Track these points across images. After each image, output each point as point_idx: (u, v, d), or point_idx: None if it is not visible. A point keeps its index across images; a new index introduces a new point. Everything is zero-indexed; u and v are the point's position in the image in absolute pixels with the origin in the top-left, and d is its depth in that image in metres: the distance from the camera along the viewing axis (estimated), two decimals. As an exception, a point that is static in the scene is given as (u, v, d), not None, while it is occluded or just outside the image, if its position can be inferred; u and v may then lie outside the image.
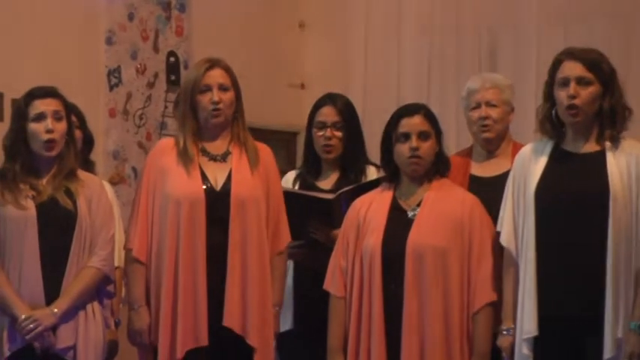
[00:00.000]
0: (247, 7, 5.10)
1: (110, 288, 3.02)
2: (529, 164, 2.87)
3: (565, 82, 2.81)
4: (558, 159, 2.85)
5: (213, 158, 3.06)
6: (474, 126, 3.30)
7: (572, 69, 2.80)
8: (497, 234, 2.92)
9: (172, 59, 4.80)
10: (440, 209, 2.93)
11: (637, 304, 2.72)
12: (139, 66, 4.67)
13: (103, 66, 4.54)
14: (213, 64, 3.07)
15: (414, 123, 2.97)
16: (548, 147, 2.88)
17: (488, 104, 3.27)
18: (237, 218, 2.98)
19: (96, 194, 2.99)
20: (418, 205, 2.96)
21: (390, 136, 3.00)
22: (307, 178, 3.44)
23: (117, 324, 3.28)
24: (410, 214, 2.96)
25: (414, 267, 2.87)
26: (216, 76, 3.05)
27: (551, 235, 2.78)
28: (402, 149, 2.96)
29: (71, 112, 3.07)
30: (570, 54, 2.84)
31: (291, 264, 3.36)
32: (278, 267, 3.10)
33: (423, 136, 2.96)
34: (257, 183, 3.04)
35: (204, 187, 3.01)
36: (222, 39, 4.79)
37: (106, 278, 2.98)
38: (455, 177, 3.16)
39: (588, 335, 2.74)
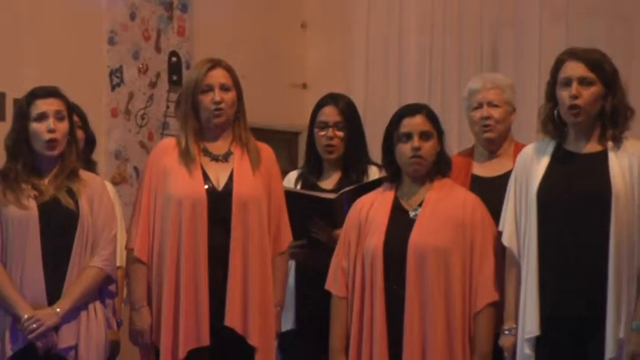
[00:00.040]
0: (249, 8, 5.11)
1: (112, 288, 3.03)
2: (531, 164, 2.87)
3: (567, 82, 2.80)
4: (560, 159, 2.85)
5: (215, 158, 3.06)
6: (476, 126, 3.30)
7: (575, 69, 2.80)
8: (499, 234, 2.92)
9: (174, 59, 4.80)
10: (441, 209, 2.93)
11: (639, 304, 2.71)
12: (140, 66, 4.68)
13: (105, 66, 4.54)
14: (214, 64, 3.07)
15: (415, 123, 2.97)
16: (551, 147, 2.88)
17: (490, 104, 3.27)
18: (239, 218, 2.98)
19: (98, 194, 2.99)
20: (420, 205, 2.96)
21: (392, 136, 3.00)
22: (309, 178, 3.44)
23: (119, 324, 3.28)
24: (411, 214, 2.96)
25: (416, 267, 2.87)
26: (218, 76, 3.05)
27: (553, 235, 2.78)
28: (404, 149, 2.96)
29: (73, 111, 3.07)
30: (572, 54, 2.84)
31: (292, 264, 3.36)
32: (279, 267, 3.10)
33: (424, 136, 2.96)
34: (259, 183, 3.04)
35: (206, 187, 3.01)
36: (224, 39, 4.80)
37: (108, 278, 2.98)
38: (456, 177, 3.15)
39: (590, 335, 2.74)
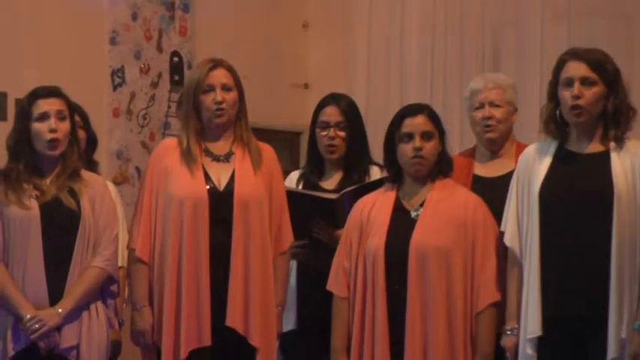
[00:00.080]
0: (251, 7, 5.11)
1: (114, 288, 3.03)
2: (533, 164, 2.87)
3: (569, 83, 2.80)
4: (562, 159, 2.85)
5: (217, 158, 3.06)
6: (478, 126, 3.30)
7: (577, 69, 2.80)
8: (501, 234, 2.92)
9: (176, 59, 4.80)
10: (443, 209, 2.93)
11: (641, 304, 2.72)
12: (142, 66, 4.68)
13: (107, 66, 4.55)
14: (216, 64, 3.07)
15: (417, 123, 2.97)
16: (553, 147, 2.87)
17: (492, 104, 3.27)
18: (241, 218, 2.98)
19: (99, 194, 2.99)
20: (421, 205, 2.96)
21: (393, 136, 2.99)
22: (311, 178, 3.44)
23: (120, 324, 3.28)
24: (413, 214, 2.96)
25: (418, 267, 2.86)
26: (220, 76, 3.05)
27: (555, 235, 2.78)
28: (405, 149, 2.96)
29: (75, 111, 3.08)
30: (574, 54, 2.83)
31: (294, 264, 3.36)
32: (281, 267, 3.10)
33: (426, 136, 2.96)
34: (260, 183, 3.04)
35: (208, 187, 3.01)
36: (225, 39, 4.80)
37: (110, 278, 2.98)
38: (458, 177, 3.15)
39: (592, 335, 2.74)
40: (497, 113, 3.26)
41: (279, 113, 5.07)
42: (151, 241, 3.02)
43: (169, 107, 4.73)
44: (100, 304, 2.97)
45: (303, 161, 3.83)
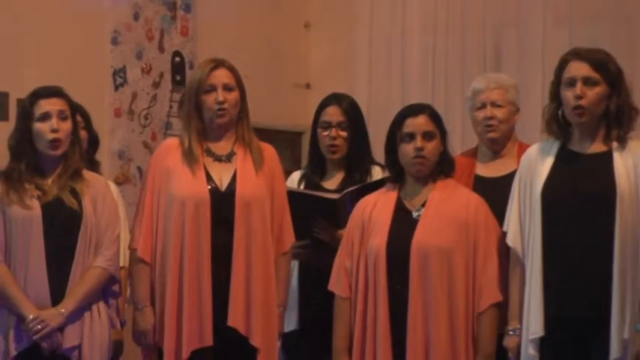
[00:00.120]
0: (252, 8, 5.11)
1: (115, 288, 3.03)
2: (535, 164, 2.87)
3: (571, 83, 2.80)
4: (565, 159, 2.84)
5: (218, 159, 3.06)
6: (479, 126, 3.29)
7: (579, 69, 2.79)
8: (504, 234, 2.92)
9: (177, 59, 4.81)
10: (445, 210, 2.93)
11: (644, 304, 2.72)
12: (144, 66, 4.68)
13: (109, 66, 4.55)
14: (217, 64, 3.07)
15: (418, 123, 2.96)
16: (555, 147, 2.87)
17: (494, 104, 3.26)
18: (242, 219, 2.98)
19: (101, 194, 2.99)
20: (423, 205, 2.96)
21: (395, 136, 2.99)
22: (312, 178, 3.44)
23: (122, 324, 3.28)
24: (415, 214, 2.95)
25: (419, 267, 2.86)
26: (221, 76, 3.05)
27: (557, 236, 2.78)
28: (407, 149, 2.96)
29: (76, 111, 3.08)
30: (577, 54, 2.83)
31: (295, 264, 3.36)
32: (282, 267, 3.09)
33: (427, 136, 2.96)
34: (262, 183, 3.04)
35: (209, 187, 3.01)
36: (227, 39, 4.80)
37: (112, 278, 2.98)
38: (460, 177, 3.15)
39: (594, 336, 2.73)
40: (499, 113, 3.26)
41: (280, 113, 5.08)
42: (152, 242, 3.02)
43: (171, 107, 4.74)
44: (101, 304, 2.97)
45: (304, 161, 3.83)
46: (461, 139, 4.34)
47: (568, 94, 2.80)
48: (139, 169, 4.58)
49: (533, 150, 2.93)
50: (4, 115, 4.10)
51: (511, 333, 2.87)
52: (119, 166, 4.56)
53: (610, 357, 2.70)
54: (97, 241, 2.94)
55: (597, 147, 2.83)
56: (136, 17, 4.65)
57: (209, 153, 3.06)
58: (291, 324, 3.31)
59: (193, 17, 4.89)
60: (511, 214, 2.90)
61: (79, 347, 2.89)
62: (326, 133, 3.39)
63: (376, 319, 2.89)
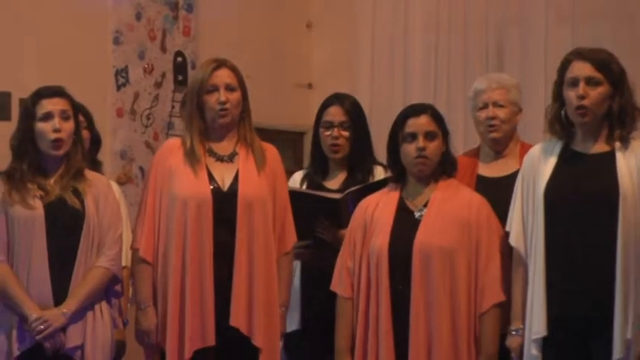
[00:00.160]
0: (255, 8, 5.11)
1: (118, 288, 3.03)
2: (538, 164, 2.86)
3: (574, 83, 2.80)
4: (568, 159, 2.84)
5: (220, 159, 3.06)
6: (481, 126, 3.29)
7: (582, 69, 2.79)
8: (506, 234, 2.92)
9: (180, 59, 4.81)
10: (447, 210, 2.93)
11: (647, 304, 2.71)
12: (146, 66, 4.68)
13: (111, 66, 4.55)
14: (220, 64, 3.07)
15: (420, 123, 2.96)
16: (558, 147, 2.87)
17: (496, 104, 3.26)
18: (244, 219, 2.98)
19: (103, 194, 2.99)
20: (425, 205, 2.96)
21: (397, 136, 2.99)
22: (315, 178, 3.44)
23: (125, 324, 3.28)
24: (417, 214, 2.95)
25: (421, 267, 2.86)
26: (223, 76, 3.05)
27: (560, 236, 2.77)
28: (409, 149, 2.96)
29: (79, 111, 3.07)
30: (579, 54, 2.83)
31: (298, 264, 3.36)
32: (284, 267, 3.10)
33: (429, 136, 2.95)
34: (264, 183, 3.04)
35: (211, 187, 3.01)
36: (229, 39, 4.80)
37: (115, 278, 2.98)
38: (462, 177, 3.15)
39: (597, 336, 2.73)
40: (501, 113, 3.26)
41: (282, 113, 5.08)
42: (154, 242, 3.02)
43: (173, 107, 4.74)
44: (104, 304, 2.97)
45: (306, 161, 3.83)
46: (463, 139, 4.34)
47: (571, 94, 2.80)
48: (141, 169, 4.58)
49: (535, 150, 2.92)
50: (6, 115, 4.10)
51: (514, 333, 2.87)
52: (121, 166, 4.56)
53: (613, 357, 2.70)
54: (100, 241, 2.95)
55: (600, 147, 2.82)
56: (138, 17, 4.65)
57: (211, 153, 3.06)
58: (293, 324, 3.31)
59: (195, 17, 4.89)
60: (514, 214, 2.90)
61: (81, 347, 2.89)
62: (328, 132, 3.39)
63: (378, 319, 2.89)
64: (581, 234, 2.75)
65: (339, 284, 3.02)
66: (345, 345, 2.99)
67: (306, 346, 3.35)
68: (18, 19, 4.20)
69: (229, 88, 3.04)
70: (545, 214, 2.80)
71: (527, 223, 2.86)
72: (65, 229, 2.91)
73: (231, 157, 3.07)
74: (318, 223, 3.27)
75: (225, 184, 3.03)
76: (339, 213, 3.23)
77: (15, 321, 2.87)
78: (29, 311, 2.84)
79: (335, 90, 3.56)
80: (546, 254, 2.78)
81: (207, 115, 3.06)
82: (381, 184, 3.15)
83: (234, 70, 3.08)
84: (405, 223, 2.94)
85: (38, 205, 2.90)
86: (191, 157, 3.03)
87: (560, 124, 2.85)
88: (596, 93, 2.78)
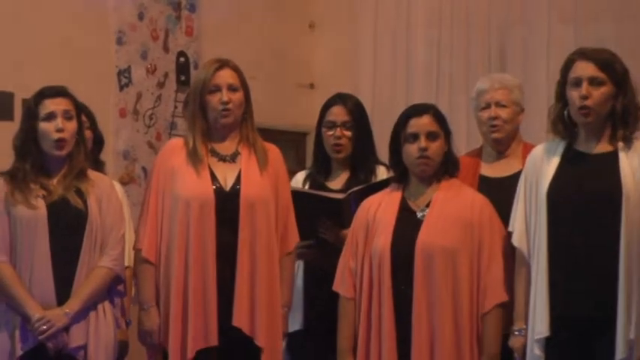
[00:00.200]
0: (257, 8, 5.11)
1: (121, 287, 3.03)
2: (541, 164, 2.86)
3: (577, 83, 2.79)
4: (571, 159, 2.84)
5: (223, 159, 3.06)
6: (484, 126, 3.29)
7: (585, 69, 2.79)
8: (509, 234, 2.91)
9: (182, 59, 4.81)
10: (449, 210, 2.93)
11: (650, 305, 2.71)
12: (149, 66, 4.69)
13: (113, 66, 4.55)
14: (222, 64, 3.07)
15: (422, 123, 2.96)
16: (561, 147, 2.87)
17: (498, 104, 3.26)
18: (247, 219, 2.98)
19: (106, 194, 3.00)
20: (427, 205, 2.96)
21: (399, 136, 2.99)
22: (317, 178, 3.44)
23: (127, 324, 3.28)
24: (419, 214, 2.95)
25: (424, 268, 2.86)
26: (226, 76, 3.05)
27: (563, 236, 2.77)
28: (411, 149, 2.96)
29: (81, 111, 3.08)
30: (583, 54, 2.83)
31: (300, 264, 3.36)
32: (287, 267, 3.10)
33: (431, 136, 2.95)
34: (266, 184, 3.04)
35: (214, 187, 3.01)
36: (231, 39, 4.80)
37: (118, 278, 2.99)
38: (465, 177, 3.15)
39: (600, 336, 2.73)
40: (503, 113, 3.26)
41: (285, 113, 5.08)
42: (157, 242, 3.02)
43: (176, 107, 4.74)
44: (107, 303, 2.97)
45: (309, 162, 3.84)
46: (466, 140, 4.34)
47: (574, 94, 2.80)
48: (144, 169, 4.58)
49: (538, 150, 2.92)
50: (8, 115, 4.10)
51: (517, 333, 2.87)
52: (124, 166, 4.57)
53: (616, 357, 2.70)
54: (102, 241, 2.95)
55: (603, 147, 2.82)
56: (140, 17, 4.65)
57: (213, 153, 3.06)
58: (295, 324, 3.31)
59: (198, 17, 4.89)
60: (517, 214, 2.89)
61: (84, 347, 2.89)
62: (331, 132, 3.39)
63: (381, 319, 2.89)
64: (584, 234, 2.74)
65: (341, 284, 3.02)
66: (348, 345, 2.99)
67: (309, 346, 3.35)
68: (20, 19, 4.20)
69: (232, 89, 3.04)
70: (548, 214, 2.79)
71: (530, 223, 2.85)
72: (68, 229, 2.91)
73: (233, 157, 3.07)
74: (321, 223, 3.27)
75: (228, 184, 3.03)
76: (341, 213, 3.23)
77: (18, 321, 2.87)
78: (32, 311, 2.84)
79: (337, 90, 3.56)
80: (549, 254, 2.78)
81: (209, 116, 3.06)
82: (383, 184, 3.15)
83: (236, 70, 3.08)
84: (408, 224, 2.94)
85: (41, 205, 2.91)
86: (193, 157, 3.03)
87: (563, 124, 2.85)
88: (599, 93, 2.78)
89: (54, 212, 2.90)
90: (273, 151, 3.14)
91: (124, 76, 4.59)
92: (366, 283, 2.95)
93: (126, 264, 3.10)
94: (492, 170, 3.28)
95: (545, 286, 2.77)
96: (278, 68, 5.13)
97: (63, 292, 2.88)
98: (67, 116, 2.95)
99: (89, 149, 3.17)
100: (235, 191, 3.01)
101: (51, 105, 2.94)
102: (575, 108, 2.80)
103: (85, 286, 2.90)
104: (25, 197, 2.91)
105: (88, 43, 4.40)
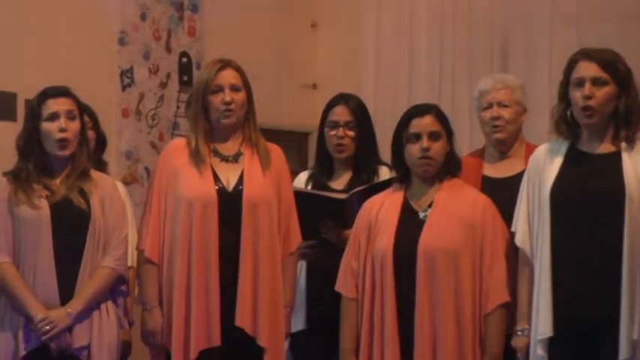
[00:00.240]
0: (259, 8, 5.11)
1: (124, 287, 3.03)
2: (544, 165, 2.86)
3: (580, 83, 2.79)
4: (574, 159, 2.84)
5: (225, 159, 3.06)
6: (486, 126, 3.29)
7: (588, 69, 2.79)
8: (512, 234, 2.91)
9: (185, 59, 4.81)
10: (451, 210, 2.92)
11: (653, 305, 2.71)
12: (151, 66, 4.69)
13: (116, 66, 4.56)
14: (224, 64, 3.07)
15: (424, 123, 2.96)
16: (564, 147, 2.86)
17: (500, 105, 3.26)
18: (249, 219, 2.98)
19: (109, 194, 3.00)
20: (429, 205, 2.96)
21: (401, 136, 2.99)
22: (320, 179, 3.44)
23: (130, 324, 3.28)
24: (421, 215, 2.95)
25: (426, 269, 2.86)
26: (228, 76, 3.05)
27: (566, 236, 2.77)
28: (413, 150, 2.96)
29: (84, 112, 3.08)
30: (585, 54, 2.82)
31: (303, 265, 3.36)
32: (289, 268, 3.10)
33: (433, 136, 2.95)
34: (268, 184, 3.04)
35: (216, 187, 3.01)
36: (234, 39, 4.80)
37: (121, 278, 2.99)
38: (467, 178, 3.14)
39: (603, 336, 2.73)
40: (506, 113, 3.26)
41: (287, 114, 5.08)
42: (160, 242, 3.03)
43: (178, 107, 4.74)
44: (110, 303, 2.98)
45: (311, 162, 3.84)
46: (469, 140, 4.34)
47: (577, 95, 2.80)
48: (147, 169, 4.59)
49: (541, 150, 2.92)
50: (11, 116, 4.11)
51: (520, 333, 2.87)
52: (127, 166, 4.57)
53: (619, 357, 2.69)
54: (105, 241, 2.95)
55: (606, 147, 2.82)
56: (143, 17, 4.66)
57: (216, 153, 3.06)
58: (298, 324, 3.31)
59: (200, 17, 4.89)
60: (520, 214, 2.89)
61: (88, 347, 2.89)
62: (333, 132, 3.39)
63: (383, 320, 2.89)
64: (588, 234, 2.74)
65: (343, 285, 3.02)
66: (350, 346, 2.99)
67: (312, 347, 3.35)
68: (23, 19, 4.21)
69: (234, 89, 3.05)
70: (551, 215, 2.79)
71: (533, 224, 2.85)
72: (71, 229, 2.91)
73: (236, 158, 3.07)
74: (323, 223, 3.27)
75: (230, 184, 3.03)
76: (344, 213, 3.23)
77: (21, 321, 2.88)
78: (34, 312, 2.84)
79: (340, 90, 3.56)
80: (552, 254, 2.78)
81: (212, 116, 3.06)
82: (386, 185, 3.15)
83: (239, 70, 3.08)
84: (410, 224, 2.93)
85: (44, 205, 2.91)
86: (196, 157, 3.03)
87: (566, 125, 2.85)
88: (602, 93, 2.78)
89: (57, 212, 2.91)
90: (276, 151, 3.14)
91: (126, 77, 4.59)
92: (369, 284, 2.95)
93: (129, 264, 3.10)
94: (495, 170, 3.28)
95: (549, 286, 2.77)
96: (280, 68, 5.13)
97: (66, 292, 2.89)
98: (70, 116, 2.95)
99: (92, 149, 3.18)
100: (238, 191, 3.01)
101: (54, 105, 2.94)
102: (578, 108, 2.80)
103: (87, 286, 2.90)
104: (28, 197, 2.91)
105: (90, 43, 4.40)
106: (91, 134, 3.28)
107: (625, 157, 2.78)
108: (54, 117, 2.93)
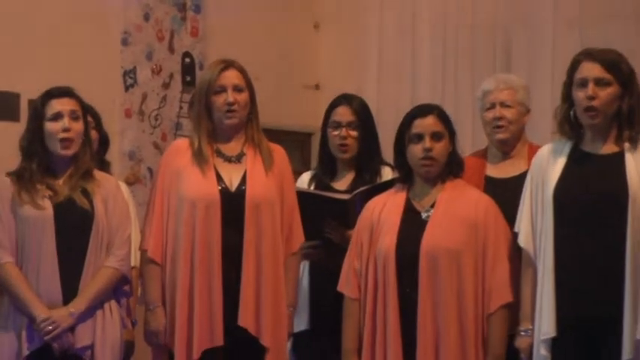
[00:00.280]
0: (262, 8, 5.11)
1: (127, 287, 3.04)
2: (547, 165, 2.86)
3: (583, 83, 2.79)
4: (577, 160, 2.83)
5: (228, 159, 3.07)
6: (489, 127, 3.29)
7: (591, 70, 2.79)
8: (515, 235, 2.91)
9: (187, 60, 4.82)
10: (454, 210, 2.92)
11: (656, 305, 2.70)
12: (154, 67, 4.69)
13: (119, 66, 4.56)
14: (227, 64, 3.07)
15: (427, 124, 2.96)
16: (567, 148, 2.86)
17: (503, 105, 3.26)
18: (252, 219, 2.99)
19: (112, 194, 3.00)
20: (432, 206, 2.96)
21: (404, 136, 2.99)
22: (322, 179, 3.44)
23: (133, 324, 3.29)
24: (424, 215, 2.95)
25: (428, 269, 2.86)
26: (231, 77, 3.05)
27: (569, 236, 2.76)
28: (415, 150, 2.96)
29: (87, 112, 3.08)
30: (589, 54, 2.82)
31: (306, 265, 3.36)
32: (291, 268, 3.10)
33: (436, 136, 2.95)
34: (271, 184, 3.05)
35: (219, 188, 3.02)
36: (237, 40, 4.80)
37: (124, 278, 2.99)
38: (470, 178, 3.14)
39: (607, 336, 2.72)
40: (508, 114, 3.26)
41: (290, 114, 5.08)
42: (163, 242, 3.03)
43: (181, 108, 4.75)
44: (113, 303, 2.98)
45: (314, 162, 3.84)
46: (471, 140, 4.33)
47: (580, 95, 2.79)
48: (150, 169, 4.59)
49: (544, 150, 2.92)
50: (15, 116, 4.11)
51: (523, 334, 2.87)
52: (129, 166, 4.57)
53: (622, 358, 2.69)
54: (109, 242, 2.95)
55: (609, 148, 2.82)
56: (146, 18, 4.66)
57: (219, 154, 3.07)
58: (301, 324, 3.31)
59: (203, 18, 4.90)
60: (523, 214, 2.89)
61: (91, 347, 2.90)
62: (336, 132, 3.40)
63: (386, 320, 2.89)
64: (591, 234, 2.74)
65: (346, 285, 3.02)
66: (353, 346, 2.99)
67: (315, 346, 3.35)
68: (26, 20, 4.21)
69: (237, 89, 3.05)
70: (555, 215, 2.79)
71: (536, 224, 2.85)
72: (74, 229, 2.92)
73: (238, 158, 3.07)
74: (326, 223, 3.27)
75: (233, 184, 3.03)
76: (347, 214, 3.23)
77: (24, 321, 2.88)
78: (37, 312, 2.85)
79: (342, 91, 3.56)
80: (555, 255, 2.78)
81: (215, 116, 3.06)
82: (388, 185, 3.15)
83: (241, 70, 3.08)
84: (412, 224, 2.93)
85: (47, 205, 2.91)
86: (199, 157, 3.03)
87: (570, 125, 2.85)
88: (605, 93, 2.78)
89: (60, 212, 2.91)
90: (279, 151, 3.14)
91: (129, 77, 4.59)
92: (371, 284, 2.95)
93: (132, 264, 3.10)
94: (498, 171, 3.27)
95: (552, 286, 2.77)
96: (283, 69, 5.13)
97: (70, 292, 2.89)
98: (73, 116, 2.95)
99: (95, 150, 3.18)
100: (241, 192, 3.01)
101: (57, 105, 2.95)
102: (581, 109, 2.80)
103: (90, 285, 2.90)
104: (31, 197, 2.91)
105: (93, 43, 4.41)
106: (94, 134, 3.28)
107: (628, 157, 2.78)
108: (57, 117, 2.94)
